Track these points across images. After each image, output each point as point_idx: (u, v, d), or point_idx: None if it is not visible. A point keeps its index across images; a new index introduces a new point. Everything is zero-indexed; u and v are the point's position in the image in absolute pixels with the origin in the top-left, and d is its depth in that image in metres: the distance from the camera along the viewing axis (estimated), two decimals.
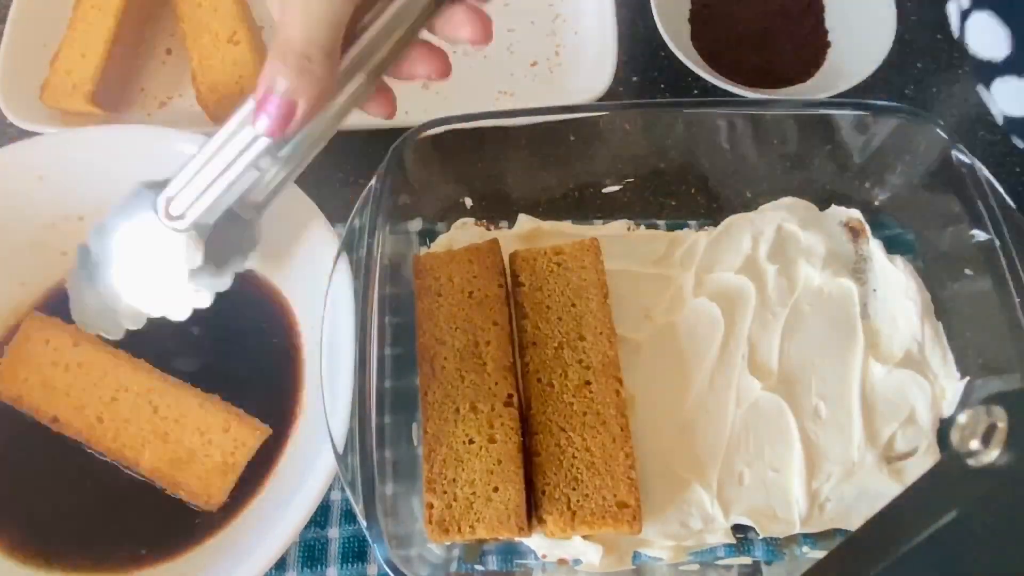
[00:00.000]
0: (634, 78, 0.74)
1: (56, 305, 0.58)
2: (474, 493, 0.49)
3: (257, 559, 0.46)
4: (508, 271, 0.58)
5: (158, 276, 0.44)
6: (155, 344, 0.55)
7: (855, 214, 0.63)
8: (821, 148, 0.62)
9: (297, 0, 0.34)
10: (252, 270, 0.59)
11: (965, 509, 0.26)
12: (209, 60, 0.66)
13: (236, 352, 0.57)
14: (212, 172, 0.41)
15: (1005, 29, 0.29)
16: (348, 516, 0.55)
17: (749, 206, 0.64)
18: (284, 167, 0.43)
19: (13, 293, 0.58)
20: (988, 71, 0.30)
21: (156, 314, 0.47)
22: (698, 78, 0.68)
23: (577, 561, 0.52)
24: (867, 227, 0.62)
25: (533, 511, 0.50)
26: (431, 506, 0.49)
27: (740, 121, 0.61)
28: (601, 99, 0.66)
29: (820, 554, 0.49)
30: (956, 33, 0.29)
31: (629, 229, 0.64)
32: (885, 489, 0.53)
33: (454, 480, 0.49)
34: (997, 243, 0.53)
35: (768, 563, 0.53)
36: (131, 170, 0.57)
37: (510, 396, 0.52)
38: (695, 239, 0.62)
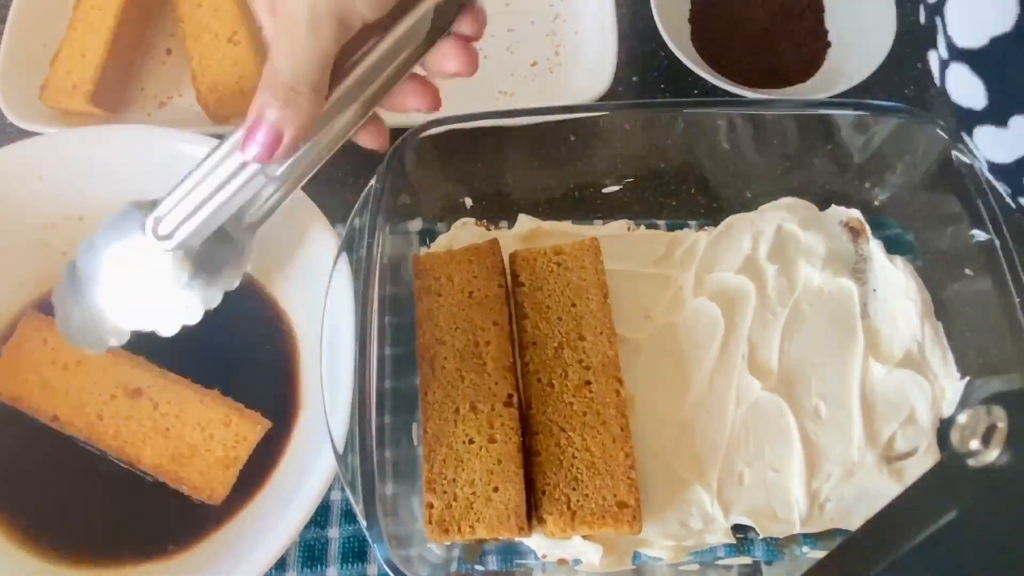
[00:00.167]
0: (634, 78, 0.74)
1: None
2: (474, 493, 0.49)
3: (257, 559, 0.46)
4: (508, 271, 0.58)
5: (146, 293, 0.45)
6: (153, 345, 0.55)
7: (855, 214, 0.63)
8: (821, 148, 0.62)
9: (285, 35, 0.35)
10: (251, 270, 0.59)
11: (965, 509, 0.27)
12: (209, 60, 0.66)
13: (236, 353, 0.57)
14: (201, 194, 0.42)
15: (980, 81, 0.29)
16: (348, 516, 0.55)
17: (749, 206, 0.64)
18: (273, 192, 0.44)
19: (13, 293, 0.58)
20: (969, 119, 0.31)
21: (145, 329, 0.47)
22: (698, 78, 0.68)
23: (577, 561, 0.52)
24: (867, 227, 0.62)
25: (533, 511, 0.50)
26: (431, 506, 0.49)
27: (740, 121, 0.61)
28: (601, 99, 0.66)
29: (820, 554, 0.49)
30: (938, 82, 0.30)
31: (629, 229, 0.64)
32: (885, 489, 0.53)
33: (454, 480, 0.49)
34: (997, 243, 0.53)
35: (768, 563, 0.53)
36: (131, 170, 0.57)
37: (510, 396, 0.52)
38: (695, 239, 0.62)
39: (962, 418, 0.27)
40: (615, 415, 0.51)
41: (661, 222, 0.65)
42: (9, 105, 0.65)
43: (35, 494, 0.53)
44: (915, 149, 0.59)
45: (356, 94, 0.39)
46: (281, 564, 0.53)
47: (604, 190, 0.65)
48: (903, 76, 0.74)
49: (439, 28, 0.38)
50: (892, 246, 0.61)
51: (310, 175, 0.44)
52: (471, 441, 0.50)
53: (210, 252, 0.45)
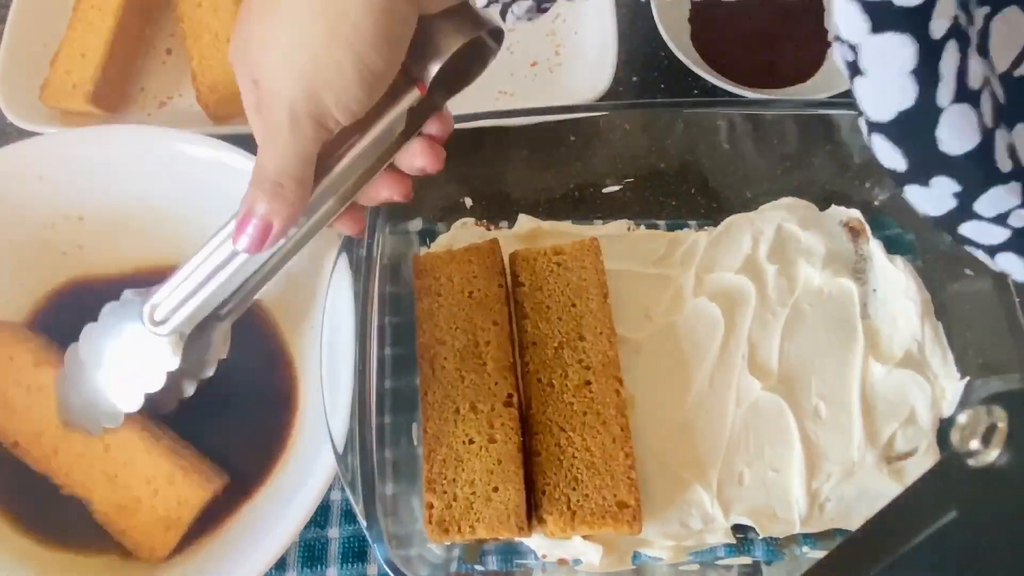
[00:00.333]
0: (634, 78, 0.74)
1: (56, 305, 0.58)
2: (474, 493, 0.49)
3: (257, 559, 0.46)
4: (508, 271, 0.58)
5: (142, 376, 0.48)
6: None
7: (855, 214, 0.63)
8: (821, 148, 0.62)
9: (269, 135, 0.39)
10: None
11: (965, 509, 0.26)
12: (209, 60, 0.66)
13: (235, 353, 0.57)
14: (194, 282, 0.45)
15: (896, 148, 0.31)
16: (348, 516, 0.55)
17: (749, 206, 0.64)
18: (257, 279, 0.48)
19: (13, 293, 0.58)
20: (897, 179, 0.33)
21: (139, 409, 0.49)
22: (698, 78, 0.68)
23: (577, 561, 0.52)
24: (867, 227, 0.62)
25: (533, 511, 0.50)
26: (431, 506, 0.49)
27: (740, 121, 0.61)
28: (601, 99, 0.66)
29: (820, 554, 0.49)
30: (869, 146, 0.32)
31: (629, 229, 0.64)
32: (885, 489, 0.53)
33: (454, 480, 0.49)
34: None
35: (768, 563, 0.53)
36: (131, 170, 0.57)
37: (510, 396, 0.52)
38: (695, 239, 0.62)
39: (962, 418, 0.27)
40: (615, 415, 0.51)
41: (661, 222, 0.65)
42: (9, 105, 0.64)
43: (38, 486, 0.53)
44: None
45: (337, 187, 0.43)
46: (281, 564, 0.53)
47: (604, 190, 0.65)
48: None
49: (411, 130, 0.43)
50: (892, 246, 0.61)
51: (289, 261, 0.48)
52: (471, 441, 0.50)
53: (200, 334, 0.48)
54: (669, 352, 0.57)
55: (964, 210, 0.32)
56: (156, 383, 0.48)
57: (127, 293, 0.48)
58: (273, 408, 0.55)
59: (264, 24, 0.37)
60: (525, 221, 0.63)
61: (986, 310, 0.54)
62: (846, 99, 0.65)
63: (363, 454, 0.46)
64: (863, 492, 0.53)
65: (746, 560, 0.53)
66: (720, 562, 0.53)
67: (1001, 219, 0.32)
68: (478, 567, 0.52)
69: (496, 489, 0.49)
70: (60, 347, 0.55)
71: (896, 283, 0.59)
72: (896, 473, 0.54)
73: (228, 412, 0.56)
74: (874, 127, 0.32)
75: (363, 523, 0.45)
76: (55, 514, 0.52)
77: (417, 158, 0.43)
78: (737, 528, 0.53)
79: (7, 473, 0.53)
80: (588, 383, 0.53)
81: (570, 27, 0.74)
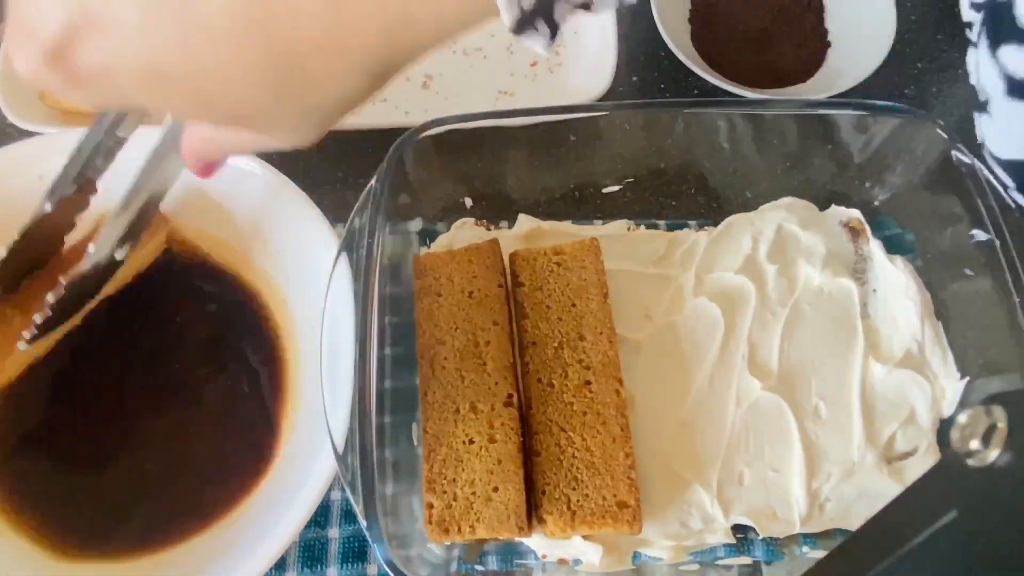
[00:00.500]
0: (634, 78, 0.74)
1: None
2: (474, 493, 0.49)
3: (257, 559, 0.46)
4: (508, 271, 0.58)
5: None
6: (154, 340, 0.56)
7: (855, 214, 0.63)
8: (821, 148, 0.62)
9: None
10: (251, 269, 0.59)
11: (965, 509, 0.26)
12: None
13: (235, 353, 0.57)
14: None
15: (1011, 182, 0.31)
16: (348, 516, 0.55)
17: (749, 206, 0.64)
18: None
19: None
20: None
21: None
22: (698, 78, 0.68)
23: (577, 561, 0.52)
24: (867, 227, 0.62)
25: (533, 511, 0.50)
26: (431, 506, 0.49)
27: (740, 121, 0.61)
28: (601, 99, 0.66)
29: (820, 554, 0.49)
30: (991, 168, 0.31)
31: (629, 229, 0.64)
32: (885, 489, 0.53)
33: (454, 480, 0.49)
34: (997, 243, 0.53)
35: (768, 563, 0.53)
36: (131, 170, 0.57)
37: (510, 396, 0.52)
38: (695, 239, 0.62)
39: (962, 418, 0.27)
40: (615, 415, 0.51)
41: (661, 222, 0.65)
42: (9, 105, 0.64)
43: (36, 485, 0.53)
44: (915, 149, 0.59)
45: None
46: (281, 564, 0.53)
47: (604, 190, 0.65)
48: (903, 76, 0.74)
49: None
50: (892, 246, 0.61)
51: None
52: (471, 441, 0.50)
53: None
54: (669, 352, 0.57)
55: None
56: None
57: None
58: (273, 408, 0.55)
59: None
60: (525, 221, 0.63)
61: (986, 310, 0.54)
62: (846, 99, 0.66)
63: (363, 454, 0.46)
64: (863, 492, 0.53)
65: (746, 560, 0.53)
66: (720, 562, 0.53)
67: None
68: (478, 567, 0.52)
69: (496, 489, 0.49)
70: (58, 347, 0.55)
71: (896, 283, 0.59)
72: (896, 473, 0.54)
73: (228, 412, 0.56)
74: (995, 159, 0.30)
75: (363, 523, 0.45)
76: (54, 518, 0.52)
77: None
78: (737, 528, 0.53)
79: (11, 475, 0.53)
80: (588, 383, 0.53)
81: (570, 27, 0.74)
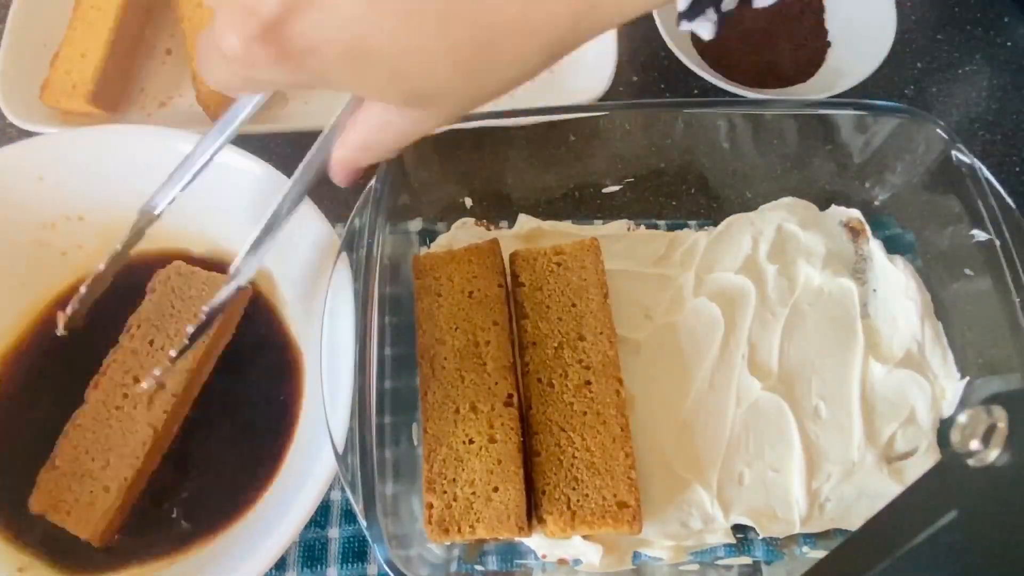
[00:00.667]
0: (634, 78, 0.74)
1: (55, 306, 0.58)
2: (474, 493, 0.49)
3: (257, 559, 0.46)
4: (508, 271, 0.58)
5: None
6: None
7: (855, 214, 0.63)
8: (821, 148, 0.62)
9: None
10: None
11: (965, 509, 0.26)
12: None
13: (235, 353, 0.57)
14: None
15: None
16: (348, 516, 0.55)
17: (749, 206, 0.64)
18: None
19: (13, 293, 0.58)
20: None
21: None
22: (698, 78, 0.68)
23: (577, 561, 0.52)
24: (867, 227, 0.62)
25: (533, 511, 0.50)
26: (431, 506, 0.49)
27: (740, 121, 0.61)
28: (601, 99, 0.66)
29: (820, 554, 0.50)
30: None
31: (629, 229, 0.64)
32: (885, 489, 0.53)
33: (454, 480, 0.49)
34: (997, 243, 0.53)
35: (768, 563, 0.53)
36: (131, 170, 0.57)
37: (510, 396, 0.52)
38: (695, 239, 0.62)
39: (962, 418, 0.27)
40: (615, 415, 0.51)
41: (661, 222, 0.65)
42: (9, 105, 0.64)
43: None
44: (915, 149, 0.59)
45: None
46: (281, 564, 0.53)
47: (604, 190, 0.65)
48: (903, 76, 0.74)
49: None
50: (892, 246, 0.61)
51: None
52: (471, 441, 0.50)
53: None
54: (669, 352, 0.57)
55: None
56: None
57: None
58: (273, 408, 0.55)
59: None
60: (525, 221, 0.63)
61: (986, 310, 0.54)
62: (846, 99, 0.66)
63: (363, 454, 0.46)
64: (863, 492, 0.53)
65: (746, 560, 0.53)
66: (720, 562, 0.53)
67: None
68: (478, 567, 0.52)
69: (496, 489, 0.49)
70: (58, 347, 0.55)
71: (896, 283, 0.59)
72: (896, 473, 0.54)
73: (228, 413, 0.56)
74: None
75: (363, 523, 0.45)
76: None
77: None
78: (737, 528, 0.53)
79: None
80: (588, 383, 0.52)
81: None
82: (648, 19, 0.70)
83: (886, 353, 0.57)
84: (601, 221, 0.64)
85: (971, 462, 0.26)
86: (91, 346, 0.55)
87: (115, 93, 0.68)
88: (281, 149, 0.68)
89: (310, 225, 0.55)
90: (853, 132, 0.61)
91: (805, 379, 0.56)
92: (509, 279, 0.57)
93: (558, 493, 0.49)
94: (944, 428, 0.56)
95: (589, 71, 0.69)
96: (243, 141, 0.52)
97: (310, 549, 0.54)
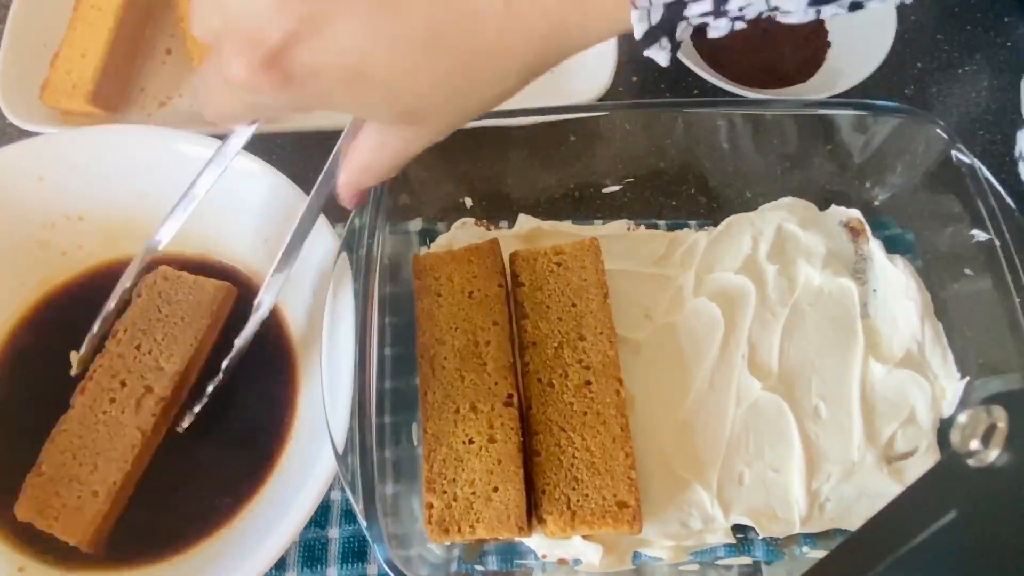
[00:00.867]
0: (634, 78, 0.74)
1: (55, 306, 0.58)
2: (474, 493, 0.49)
3: (257, 559, 0.46)
4: (508, 271, 0.58)
5: None
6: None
7: (855, 214, 0.63)
8: (821, 148, 0.63)
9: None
10: (251, 271, 0.59)
11: (965, 509, 0.26)
12: None
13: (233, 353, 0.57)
14: None
15: None
16: (348, 516, 0.55)
17: (749, 206, 0.64)
18: None
19: (13, 293, 0.58)
20: None
21: None
22: (698, 78, 0.68)
23: (577, 561, 0.52)
24: (867, 227, 0.62)
25: (533, 511, 0.50)
26: (431, 506, 0.49)
27: (740, 121, 0.61)
28: (601, 99, 0.66)
29: (820, 554, 0.49)
30: None
31: (629, 229, 0.64)
32: (885, 489, 0.53)
33: (454, 480, 0.49)
34: (997, 243, 0.53)
35: (768, 563, 0.53)
36: (131, 170, 0.57)
37: (510, 396, 0.52)
38: (695, 239, 0.62)
39: (962, 418, 0.27)
40: (615, 415, 0.51)
41: (661, 222, 0.65)
42: (9, 105, 0.64)
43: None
44: (915, 149, 0.59)
45: None
46: (281, 564, 0.53)
47: (604, 190, 0.65)
48: (903, 76, 0.74)
49: None
50: (892, 246, 0.61)
51: None
52: (471, 441, 0.50)
53: None
54: (669, 352, 0.57)
55: None
56: None
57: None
58: (273, 408, 0.55)
59: None
60: (525, 221, 0.63)
61: (986, 310, 0.54)
62: (846, 99, 0.66)
63: (363, 454, 0.46)
64: (863, 492, 0.53)
65: (746, 560, 0.53)
66: (720, 562, 0.53)
67: None
68: (478, 567, 0.52)
69: (496, 489, 0.49)
70: (58, 348, 0.55)
71: (896, 283, 0.59)
72: (896, 473, 0.54)
73: (228, 412, 0.56)
74: None
75: (363, 523, 0.45)
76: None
77: None
78: (737, 528, 0.53)
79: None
80: (588, 383, 0.52)
81: None
82: None
83: (886, 353, 0.57)
84: (601, 221, 0.64)
85: (971, 462, 0.26)
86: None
87: (115, 93, 0.68)
88: (281, 149, 0.68)
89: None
90: (853, 132, 0.61)
91: (805, 379, 0.56)
92: (509, 279, 0.57)
93: (558, 493, 0.49)
94: (944, 428, 0.56)
95: (589, 71, 0.69)
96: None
97: (310, 549, 0.54)
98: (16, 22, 0.68)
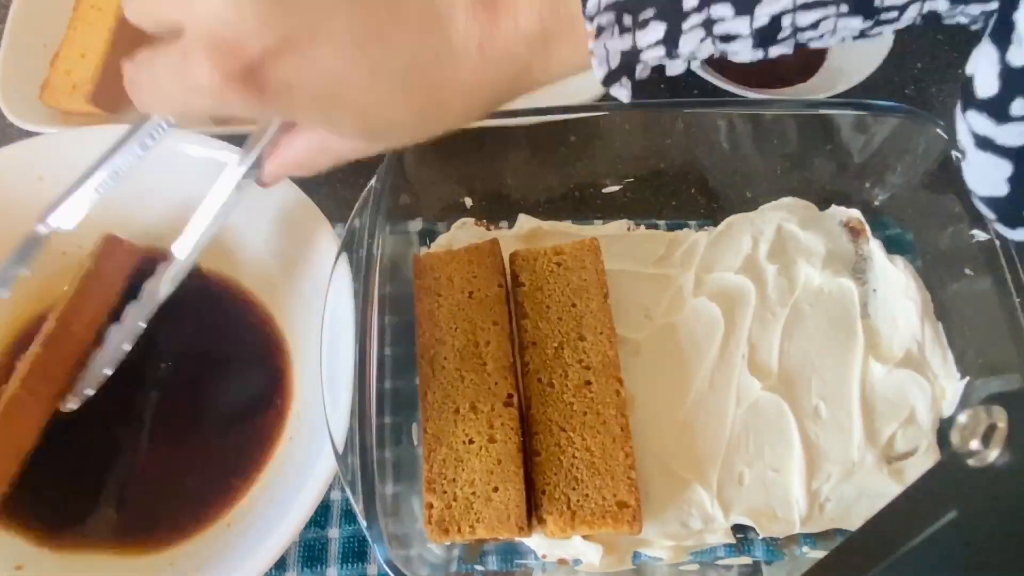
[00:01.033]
0: None
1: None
2: (474, 493, 0.49)
3: (257, 559, 0.46)
4: (508, 271, 0.58)
5: None
6: (154, 340, 0.56)
7: (855, 214, 0.63)
8: (821, 148, 0.62)
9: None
10: (250, 270, 0.59)
11: (965, 509, 0.26)
12: None
13: (234, 352, 0.58)
14: None
15: (992, 214, 0.37)
16: (348, 516, 0.55)
17: (749, 206, 0.64)
18: None
19: (13, 293, 0.58)
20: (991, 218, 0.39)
21: None
22: (698, 78, 0.68)
23: (577, 561, 0.52)
24: (867, 227, 0.62)
25: (533, 511, 0.50)
26: (431, 506, 0.49)
27: (740, 121, 0.61)
28: (601, 99, 0.66)
29: (820, 554, 0.49)
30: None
31: (629, 229, 0.64)
32: (885, 489, 0.53)
33: (454, 480, 0.49)
34: (997, 243, 0.53)
35: (768, 563, 0.53)
36: (131, 170, 0.57)
37: (510, 396, 0.52)
38: (695, 239, 0.62)
39: (962, 418, 0.27)
40: (615, 415, 0.51)
41: (661, 222, 0.65)
42: (9, 105, 0.64)
43: (35, 480, 0.53)
44: (915, 149, 0.59)
45: None
46: (281, 564, 0.53)
47: (604, 190, 0.65)
48: (903, 76, 0.74)
49: None
50: (892, 246, 0.61)
51: None
52: (471, 441, 0.50)
53: None
54: (669, 352, 0.57)
55: None
56: None
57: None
58: (273, 408, 0.55)
59: None
60: (525, 221, 0.63)
61: (986, 310, 0.54)
62: (846, 99, 0.66)
63: (363, 454, 0.46)
64: (863, 492, 0.53)
65: (746, 560, 0.53)
66: (720, 562, 0.53)
67: None
68: (478, 567, 0.52)
69: (496, 489, 0.49)
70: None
71: (896, 283, 0.59)
72: (896, 473, 0.54)
73: (228, 412, 0.56)
74: (977, 196, 0.36)
75: (363, 523, 0.45)
76: (56, 516, 0.52)
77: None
78: (737, 528, 0.53)
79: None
80: (588, 383, 0.53)
81: None
82: None
83: (886, 353, 0.57)
84: (601, 221, 0.64)
85: (971, 462, 0.26)
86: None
87: (115, 93, 0.68)
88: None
89: (310, 225, 0.55)
90: (853, 132, 0.61)
91: (805, 379, 0.56)
92: (509, 279, 0.57)
93: (558, 493, 0.49)
94: (944, 428, 0.56)
95: (589, 71, 0.69)
96: (244, 141, 0.52)
97: (310, 549, 0.54)
98: (16, 22, 0.68)
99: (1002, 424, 0.26)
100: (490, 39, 0.35)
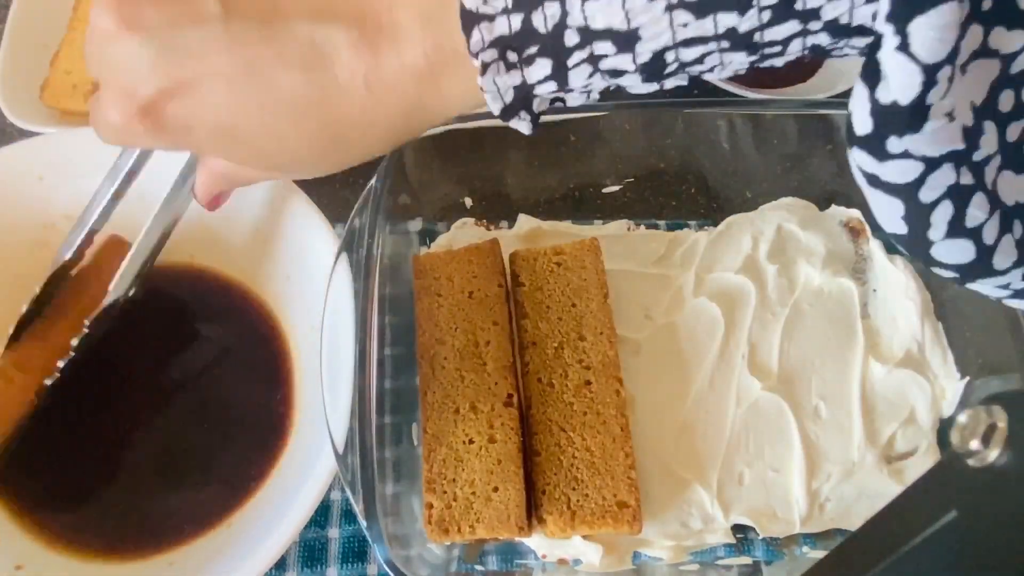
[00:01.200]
0: None
1: None
2: (474, 493, 0.49)
3: (257, 559, 0.46)
4: (508, 271, 0.58)
5: None
6: (155, 340, 0.56)
7: (855, 214, 0.63)
8: (821, 148, 0.62)
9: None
10: (251, 270, 0.59)
11: (965, 509, 0.26)
12: None
13: (234, 353, 0.58)
14: None
15: (902, 247, 0.35)
16: (348, 516, 0.55)
17: (749, 206, 0.64)
18: None
19: (13, 293, 0.58)
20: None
21: None
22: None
23: (577, 561, 0.52)
24: (867, 227, 0.62)
25: (533, 511, 0.50)
26: (431, 506, 0.49)
27: (740, 121, 0.61)
28: (601, 99, 0.66)
29: (820, 554, 0.49)
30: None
31: (629, 229, 0.64)
32: (885, 489, 0.53)
33: (454, 480, 0.49)
34: None
35: (768, 563, 0.53)
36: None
37: (510, 396, 0.52)
38: (695, 239, 0.62)
39: (962, 418, 0.27)
40: (615, 415, 0.51)
41: (661, 222, 0.65)
42: (9, 105, 0.64)
43: (39, 481, 0.53)
44: None
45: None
46: (281, 564, 0.53)
47: (604, 190, 0.65)
48: None
49: None
50: (892, 246, 0.61)
51: None
52: (471, 441, 0.50)
53: None
54: (669, 352, 0.57)
55: (964, 281, 0.34)
56: None
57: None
58: (273, 408, 0.55)
59: None
60: (525, 221, 0.63)
61: (986, 310, 0.54)
62: (846, 99, 0.66)
63: (363, 454, 0.46)
64: (863, 492, 0.53)
65: (746, 560, 0.53)
66: (720, 562, 0.53)
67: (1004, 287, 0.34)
68: (478, 567, 0.52)
69: (496, 489, 0.49)
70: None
71: (896, 283, 0.59)
72: (896, 473, 0.54)
73: (227, 412, 0.56)
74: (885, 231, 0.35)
75: (363, 523, 0.45)
76: (56, 516, 0.52)
77: None
78: (737, 528, 0.53)
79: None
80: (588, 383, 0.53)
81: None
82: None
83: (886, 353, 0.58)
84: (601, 221, 0.64)
85: (971, 462, 0.26)
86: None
87: None
88: None
89: (310, 225, 0.55)
90: None
91: (805, 379, 0.56)
92: (509, 279, 0.57)
93: (558, 493, 0.49)
94: (944, 428, 0.56)
95: None
96: None
97: (310, 549, 0.54)
98: (16, 22, 0.68)
99: (1002, 424, 0.26)
100: (376, 75, 0.35)
